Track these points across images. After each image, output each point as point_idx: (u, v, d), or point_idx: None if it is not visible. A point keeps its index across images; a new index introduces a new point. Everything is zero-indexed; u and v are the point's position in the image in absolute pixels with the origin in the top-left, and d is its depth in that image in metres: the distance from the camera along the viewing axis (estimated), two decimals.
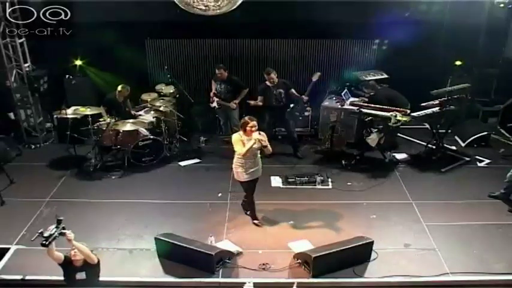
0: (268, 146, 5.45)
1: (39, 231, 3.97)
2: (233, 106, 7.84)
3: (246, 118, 5.50)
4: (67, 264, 4.18)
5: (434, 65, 8.70)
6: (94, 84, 8.74)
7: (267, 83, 7.34)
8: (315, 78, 7.47)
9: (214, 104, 7.97)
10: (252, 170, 5.57)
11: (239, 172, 5.60)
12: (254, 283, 4.74)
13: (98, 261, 4.24)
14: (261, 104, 7.43)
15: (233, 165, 5.65)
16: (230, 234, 5.72)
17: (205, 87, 9.03)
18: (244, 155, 5.40)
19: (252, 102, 7.51)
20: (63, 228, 4.04)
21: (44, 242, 3.91)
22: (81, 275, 4.19)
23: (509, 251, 5.37)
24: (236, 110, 7.97)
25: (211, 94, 7.99)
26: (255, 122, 5.40)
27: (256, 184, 5.79)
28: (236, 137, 5.48)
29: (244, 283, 4.60)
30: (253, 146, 5.35)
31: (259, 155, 5.62)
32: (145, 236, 5.56)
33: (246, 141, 5.41)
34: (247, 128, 5.38)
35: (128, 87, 7.67)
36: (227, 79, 7.83)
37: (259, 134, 5.38)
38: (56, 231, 3.98)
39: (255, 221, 5.94)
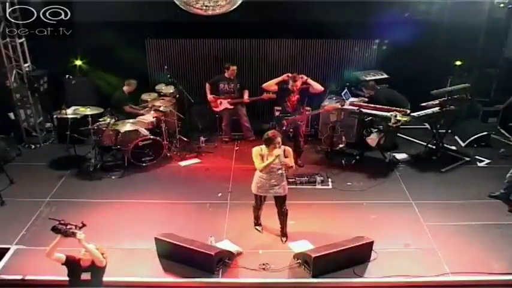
0: (288, 163, 5.17)
1: (62, 219, 4.08)
2: (248, 100, 7.91)
3: (270, 134, 5.14)
4: (72, 264, 4.18)
5: (434, 65, 8.70)
6: (95, 84, 8.73)
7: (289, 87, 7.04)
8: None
9: (225, 106, 7.94)
10: (262, 185, 5.34)
11: (253, 183, 5.44)
12: (254, 283, 4.78)
13: (105, 264, 4.24)
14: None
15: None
16: (230, 234, 5.71)
17: (205, 87, 9.05)
18: (262, 170, 5.25)
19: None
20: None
21: (56, 226, 4.01)
22: (86, 275, 4.19)
23: (509, 251, 5.37)
24: (244, 107, 8.06)
25: (212, 98, 7.97)
26: (278, 139, 5.10)
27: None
28: (256, 151, 5.22)
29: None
30: (275, 163, 5.13)
31: (282, 172, 5.32)
32: (145, 236, 5.54)
33: (266, 155, 5.17)
34: (271, 146, 5.10)
35: (134, 81, 7.78)
36: (234, 78, 7.87)
37: (284, 150, 5.17)
38: (70, 229, 4.03)
39: (256, 227, 5.87)
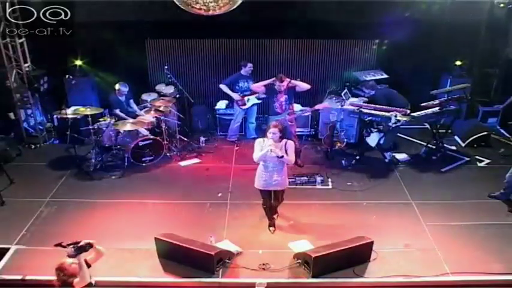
0: (285, 156, 5.18)
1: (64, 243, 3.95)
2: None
3: (271, 124, 5.31)
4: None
5: (434, 64, 8.71)
6: (95, 84, 8.74)
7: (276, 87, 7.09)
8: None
9: (253, 102, 7.93)
10: (266, 179, 5.39)
11: (256, 177, 5.49)
12: (254, 283, 4.78)
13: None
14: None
15: None
16: (230, 234, 5.71)
17: (205, 87, 9.05)
18: (256, 161, 5.31)
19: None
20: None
21: (79, 247, 3.87)
22: None
23: (509, 251, 5.37)
24: None
25: (240, 97, 7.92)
26: (274, 129, 5.17)
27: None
28: (257, 141, 5.32)
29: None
30: (268, 154, 5.15)
31: (279, 166, 5.33)
32: (145, 236, 5.54)
33: (264, 147, 5.21)
34: (267, 134, 5.23)
35: (118, 86, 7.64)
36: (250, 75, 7.90)
37: (286, 143, 5.24)
38: (83, 245, 3.95)
39: (270, 228, 5.80)
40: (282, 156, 5.17)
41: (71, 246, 3.87)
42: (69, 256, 3.85)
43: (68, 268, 3.78)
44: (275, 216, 5.93)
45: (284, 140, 5.29)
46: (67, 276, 3.78)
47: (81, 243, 3.89)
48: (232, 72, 8.23)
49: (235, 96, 7.94)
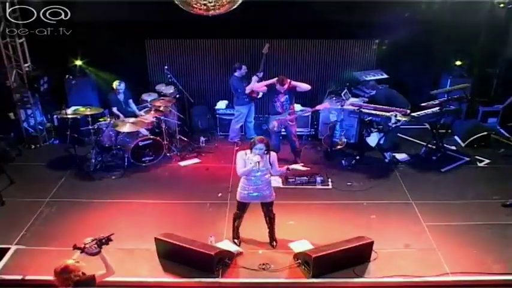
0: (279, 169, 5.11)
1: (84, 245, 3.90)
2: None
3: (256, 138, 5.01)
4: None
5: (435, 65, 8.71)
6: (95, 84, 8.73)
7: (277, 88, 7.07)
8: (264, 50, 7.57)
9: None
10: (248, 192, 5.18)
11: (238, 189, 5.29)
12: (254, 283, 4.77)
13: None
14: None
15: None
16: (230, 234, 5.71)
17: (205, 87, 9.05)
18: (240, 176, 5.13)
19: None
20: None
21: (98, 242, 3.93)
22: None
23: (509, 251, 5.37)
24: None
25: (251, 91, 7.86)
26: (260, 145, 4.90)
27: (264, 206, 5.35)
28: (240, 155, 5.08)
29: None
30: (254, 168, 4.96)
31: (267, 177, 5.16)
32: (145, 236, 5.55)
33: (247, 160, 5.00)
34: (252, 150, 4.95)
35: (115, 85, 7.64)
36: (243, 77, 7.90)
37: (269, 155, 5.03)
38: (100, 240, 3.97)
39: (235, 240, 5.58)
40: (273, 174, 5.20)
41: (93, 242, 3.88)
42: (92, 254, 3.88)
43: (75, 269, 3.76)
44: (274, 244, 5.54)
45: (271, 153, 5.10)
46: (79, 275, 3.76)
47: (106, 236, 3.92)
48: (232, 72, 8.21)
49: (255, 79, 7.68)
